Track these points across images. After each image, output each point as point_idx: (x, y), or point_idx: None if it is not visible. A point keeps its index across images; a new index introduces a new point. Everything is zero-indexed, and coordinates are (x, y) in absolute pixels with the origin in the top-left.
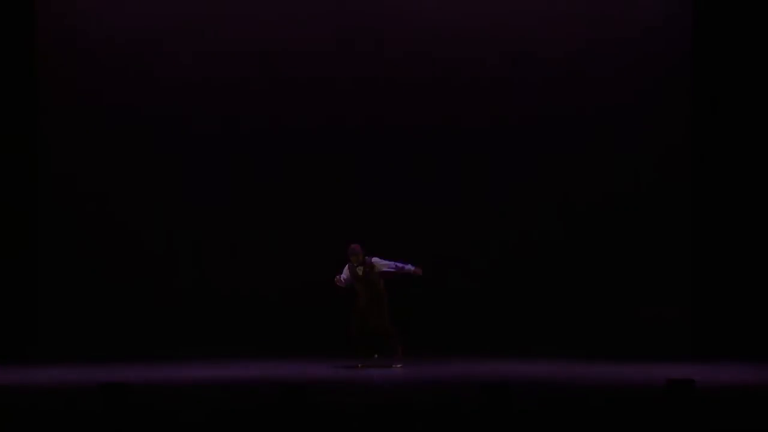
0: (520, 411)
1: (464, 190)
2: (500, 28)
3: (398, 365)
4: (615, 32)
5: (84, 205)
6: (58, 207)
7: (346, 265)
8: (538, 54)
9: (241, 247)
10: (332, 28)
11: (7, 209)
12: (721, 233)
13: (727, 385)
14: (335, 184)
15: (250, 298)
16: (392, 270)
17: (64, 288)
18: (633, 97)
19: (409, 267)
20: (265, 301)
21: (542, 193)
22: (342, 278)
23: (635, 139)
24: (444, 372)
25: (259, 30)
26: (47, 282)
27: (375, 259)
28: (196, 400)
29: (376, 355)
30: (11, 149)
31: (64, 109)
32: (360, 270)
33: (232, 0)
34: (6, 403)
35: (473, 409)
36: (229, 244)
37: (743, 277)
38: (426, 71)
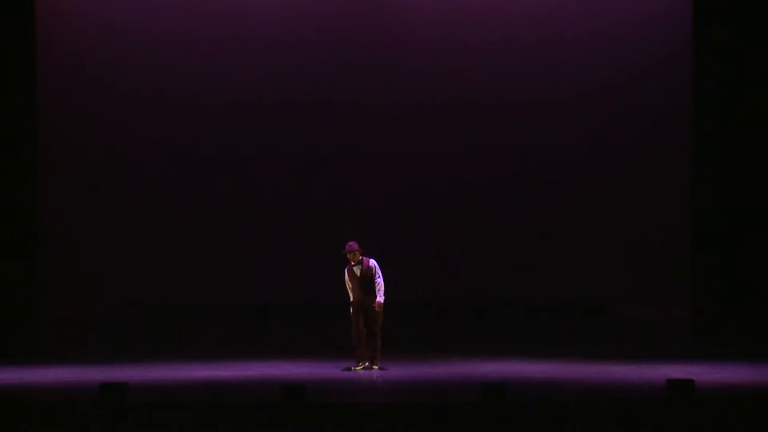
0: (520, 411)
1: (464, 190)
2: (499, 21)
3: (376, 366)
4: (616, 26)
5: (83, 204)
6: (57, 207)
7: (345, 269)
8: (537, 52)
9: (240, 247)
10: (333, 31)
11: (6, 210)
12: (721, 233)
13: (727, 385)
14: (335, 186)
15: (250, 298)
16: (375, 284)
17: (64, 287)
18: (633, 96)
19: (379, 297)
20: (266, 302)
21: (542, 193)
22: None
23: (635, 139)
24: (444, 372)
25: (259, 21)
26: (47, 282)
27: (373, 263)
28: (196, 400)
29: (367, 364)
30: (10, 151)
31: (64, 102)
32: (358, 270)
33: None
34: (6, 403)
35: (473, 409)
36: (229, 244)
37: (743, 278)
38: (422, 61)
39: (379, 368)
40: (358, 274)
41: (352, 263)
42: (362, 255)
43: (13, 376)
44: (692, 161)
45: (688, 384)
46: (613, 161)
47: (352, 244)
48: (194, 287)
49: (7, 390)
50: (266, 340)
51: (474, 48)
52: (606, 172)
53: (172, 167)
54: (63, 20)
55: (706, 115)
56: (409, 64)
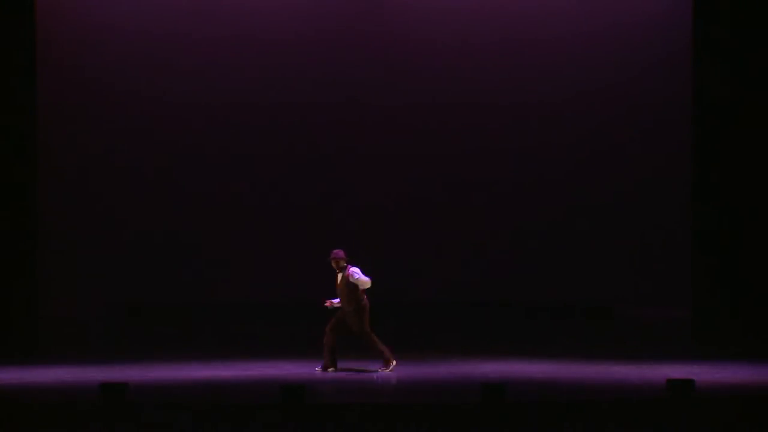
0: (520, 411)
1: (464, 190)
2: (499, 21)
3: (384, 369)
4: (616, 26)
5: (84, 204)
6: (57, 207)
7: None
8: (537, 52)
9: (241, 247)
10: (333, 31)
11: (7, 209)
12: (721, 233)
13: (727, 385)
14: (335, 186)
15: (249, 298)
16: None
17: (64, 287)
18: (633, 96)
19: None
20: (266, 302)
21: (542, 193)
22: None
23: (635, 139)
24: (444, 372)
25: (259, 21)
26: (47, 282)
27: (352, 270)
28: (196, 400)
29: (331, 369)
30: (10, 151)
31: (64, 102)
32: (339, 278)
33: None
34: (6, 403)
35: (473, 409)
36: (229, 244)
37: (743, 278)
38: (422, 63)
39: (381, 370)
40: (338, 282)
41: (336, 270)
42: (347, 263)
43: (13, 376)
44: (692, 161)
45: (688, 384)
46: (613, 161)
47: (337, 252)
48: (194, 287)
49: (7, 390)
50: (266, 340)
51: (474, 48)
52: (606, 172)
53: (172, 167)
54: (63, 20)
55: (706, 115)
56: (409, 64)
